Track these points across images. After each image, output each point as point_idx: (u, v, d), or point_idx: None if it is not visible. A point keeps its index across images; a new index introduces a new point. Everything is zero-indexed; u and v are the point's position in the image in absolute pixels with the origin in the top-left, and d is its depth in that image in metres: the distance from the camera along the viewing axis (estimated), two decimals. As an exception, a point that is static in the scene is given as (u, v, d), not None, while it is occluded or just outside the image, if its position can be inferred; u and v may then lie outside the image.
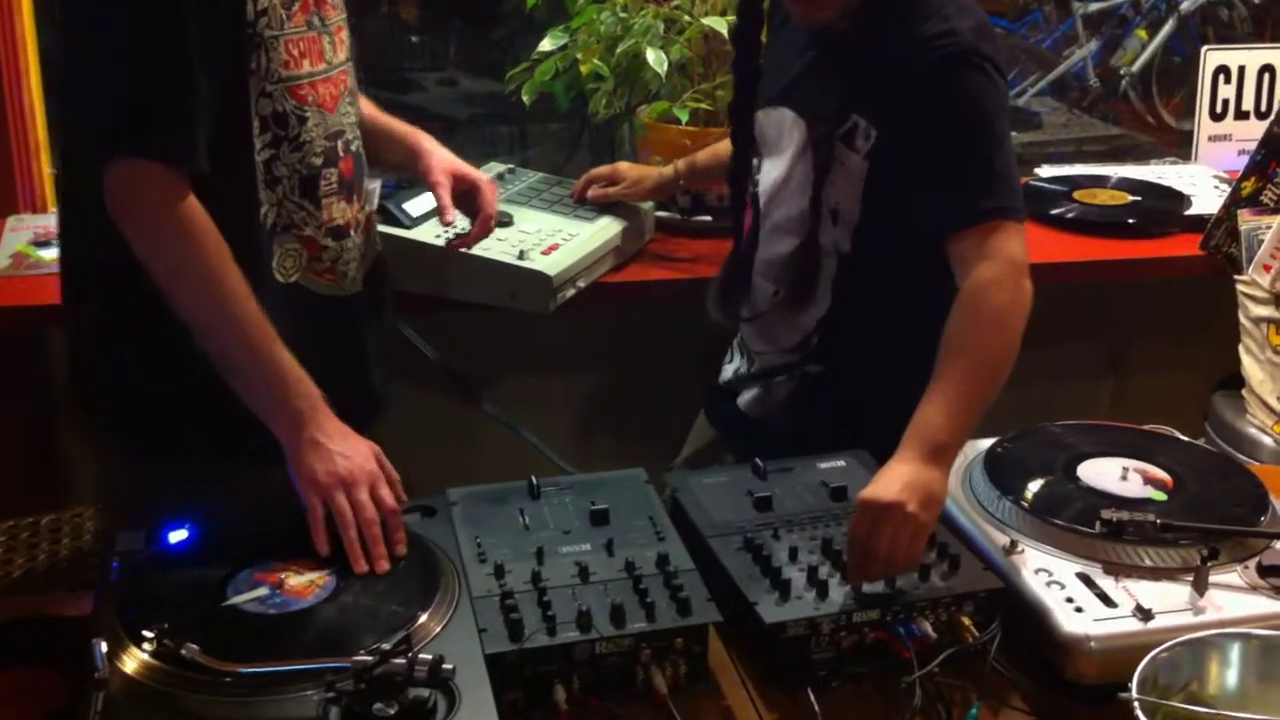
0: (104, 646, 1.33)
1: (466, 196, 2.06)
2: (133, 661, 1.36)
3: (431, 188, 2.03)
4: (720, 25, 2.53)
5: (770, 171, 2.04)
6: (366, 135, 1.95)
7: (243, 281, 1.66)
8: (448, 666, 1.31)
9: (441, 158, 2.05)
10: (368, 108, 2.03)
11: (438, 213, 2.04)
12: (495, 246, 2.27)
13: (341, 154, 1.82)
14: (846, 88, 1.90)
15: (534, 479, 1.74)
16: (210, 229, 1.65)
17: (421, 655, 1.31)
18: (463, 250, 2.15)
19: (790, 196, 1.99)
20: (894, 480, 1.55)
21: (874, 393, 1.69)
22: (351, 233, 1.86)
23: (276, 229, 1.77)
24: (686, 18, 2.62)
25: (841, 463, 1.80)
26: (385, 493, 1.63)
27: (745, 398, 2.13)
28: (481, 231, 2.08)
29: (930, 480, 1.56)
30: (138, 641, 1.38)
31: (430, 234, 2.25)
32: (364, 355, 1.94)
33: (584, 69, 2.65)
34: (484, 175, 2.11)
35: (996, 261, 1.71)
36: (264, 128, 1.72)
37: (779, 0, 1.99)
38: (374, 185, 2.61)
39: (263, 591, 1.48)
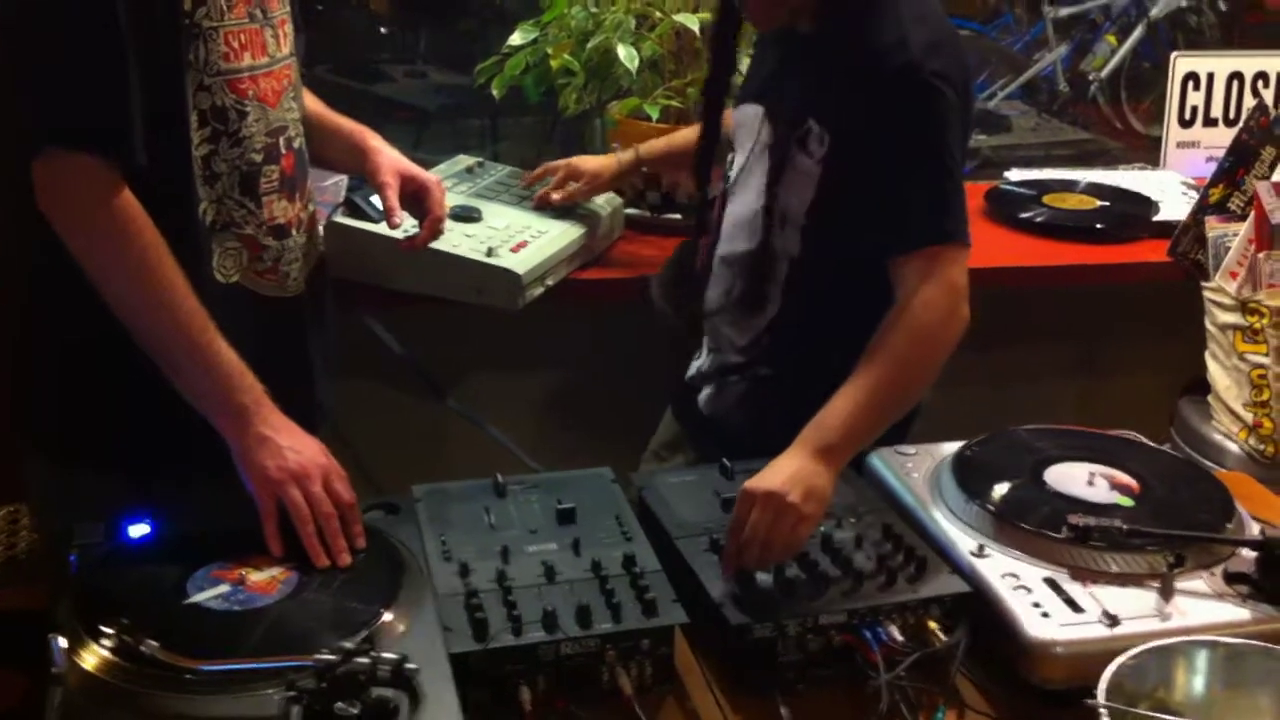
0: (63, 642, 1.31)
1: (415, 197, 2.02)
2: (92, 658, 1.34)
3: (378, 189, 1.98)
4: (692, 22, 2.52)
5: (740, 169, 2.03)
6: (312, 133, 1.92)
7: (181, 276, 1.62)
8: (411, 666, 1.30)
9: (389, 157, 2.00)
10: (314, 104, 1.99)
11: (384, 215, 1.99)
12: (464, 243, 2.25)
13: (283, 150, 1.78)
14: (803, 91, 1.89)
15: (499, 477, 1.72)
16: (145, 223, 1.61)
17: (385, 654, 1.29)
18: (431, 246, 2.13)
19: (747, 195, 1.99)
20: (779, 472, 1.59)
21: (823, 396, 1.69)
22: (294, 232, 1.82)
23: (216, 227, 1.72)
24: (658, 14, 2.62)
25: (810, 464, 1.79)
26: (340, 486, 1.61)
27: (703, 395, 2.13)
28: (430, 234, 2.04)
29: (814, 474, 1.59)
30: (97, 637, 1.35)
31: (399, 229, 2.23)
32: (306, 358, 1.90)
33: (554, 64, 2.64)
34: (432, 176, 2.06)
35: (936, 285, 1.72)
36: (202, 122, 1.67)
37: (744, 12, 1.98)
38: (340, 180, 2.59)
39: (224, 588, 1.46)
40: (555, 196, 2.42)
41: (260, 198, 1.75)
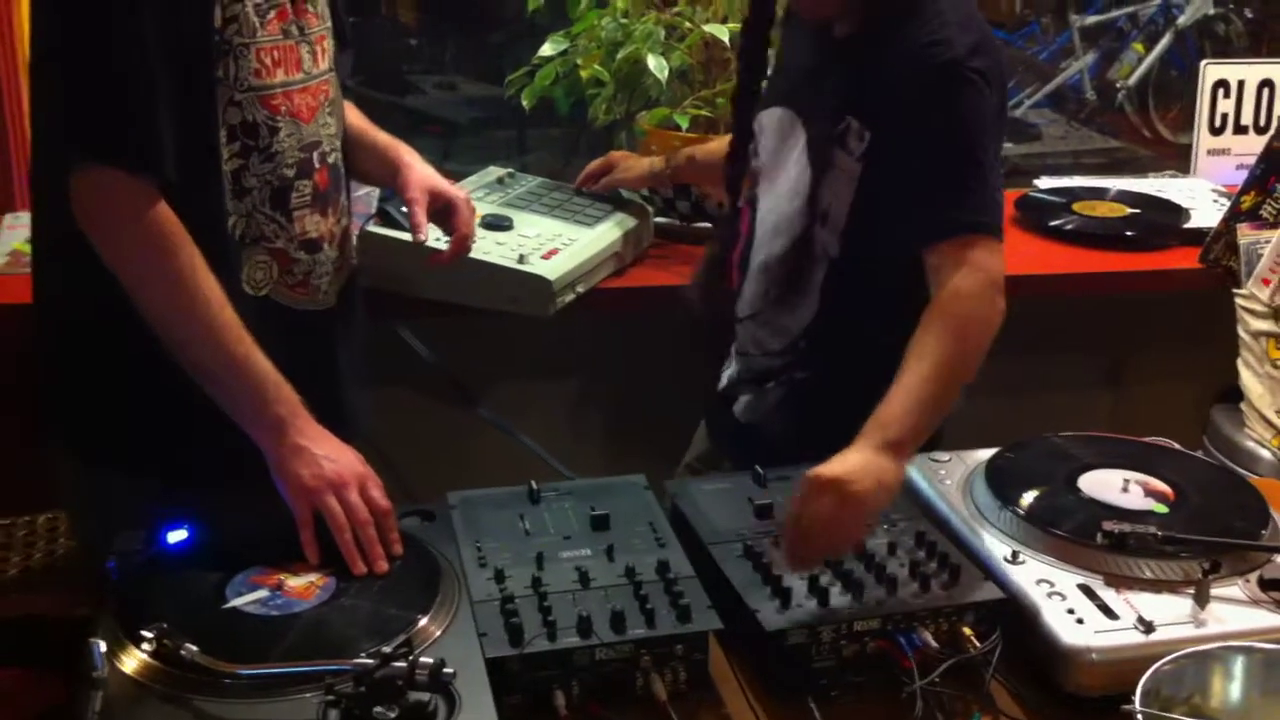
0: (103, 646, 1.32)
1: (444, 213, 2.03)
2: (132, 662, 1.36)
3: (407, 204, 1.99)
4: (721, 32, 2.53)
5: (769, 173, 2.04)
6: (349, 146, 1.93)
7: (217, 288, 1.63)
8: (448, 670, 1.30)
9: (420, 173, 2.01)
10: (355, 118, 2.00)
11: (411, 230, 1.99)
12: (495, 250, 2.26)
13: (317, 165, 1.79)
14: (842, 89, 1.90)
15: (534, 484, 1.73)
16: (182, 236, 1.62)
17: (422, 659, 1.30)
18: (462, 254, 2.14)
19: (786, 197, 1.99)
20: (845, 462, 1.56)
21: (863, 399, 1.69)
22: (325, 246, 1.83)
23: (246, 241, 1.73)
24: (687, 24, 2.63)
25: (842, 471, 1.80)
26: (376, 493, 1.62)
27: (740, 404, 2.13)
28: (457, 250, 2.04)
29: (884, 468, 1.57)
30: (137, 642, 1.37)
31: (430, 237, 2.24)
32: (335, 371, 1.90)
33: (584, 74, 2.66)
34: (462, 192, 2.07)
35: (971, 275, 1.72)
36: (232, 137, 1.68)
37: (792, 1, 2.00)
38: (372, 190, 2.61)
39: (263, 594, 1.48)
40: (590, 185, 2.47)
41: (291, 212, 1.76)
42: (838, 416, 1.67)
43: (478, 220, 2.34)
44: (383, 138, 2.05)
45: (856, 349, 1.94)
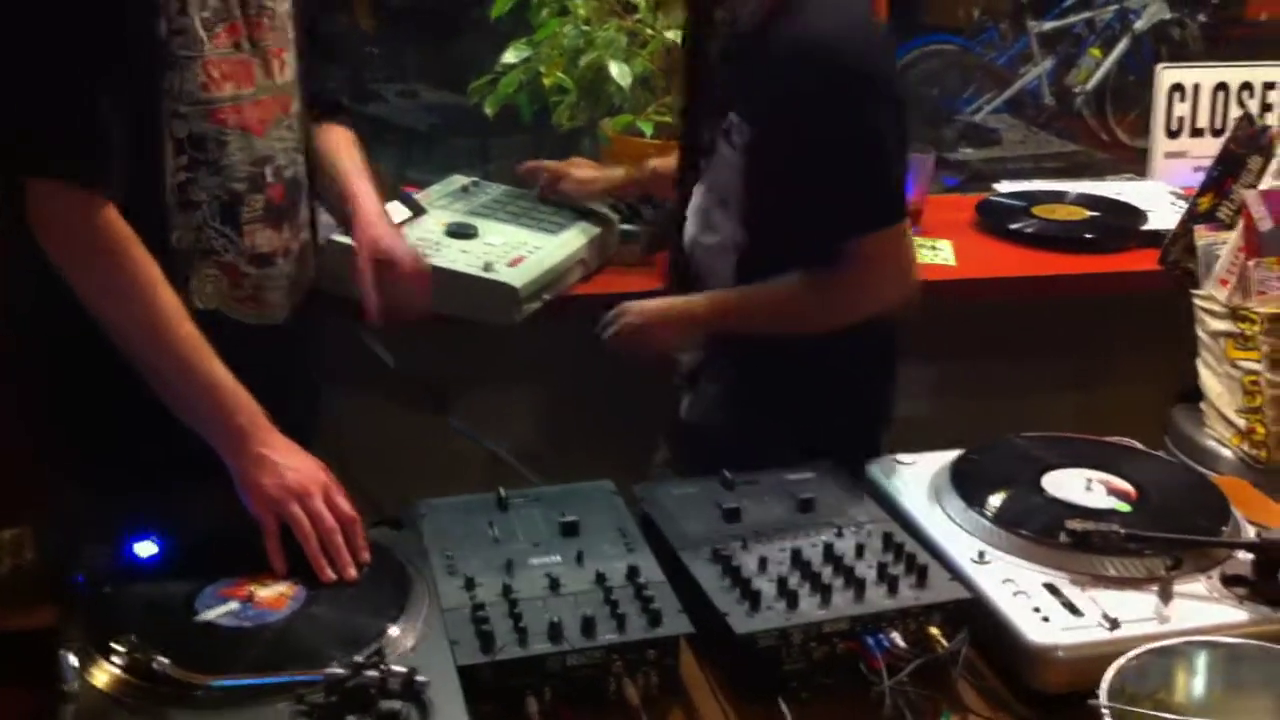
0: (74, 660, 1.32)
1: (394, 281, 1.95)
2: (102, 675, 1.35)
3: (355, 276, 1.92)
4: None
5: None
6: (312, 169, 1.91)
7: (174, 298, 1.63)
8: (421, 679, 1.31)
9: (367, 233, 1.94)
10: (336, 141, 1.98)
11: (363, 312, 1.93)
12: (460, 259, 2.26)
13: (270, 180, 1.77)
14: (726, 86, 1.95)
15: (502, 491, 1.73)
16: (134, 245, 1.61)
17: (394, 668, 1.31)
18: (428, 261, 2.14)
19: (701, 191, 2.05)
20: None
21: (793, 386, 1.74)
22: (279, 261, 1.81)
23: (194, 254, 1.72)
24: (649, 31, 2.64)
25: (810, 474, 1.81)
26: (342, 500, 1.61)
27: (683, 404, 2.15)
28: (397, 319, 1.97)
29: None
30: (107, 655, 1.36)
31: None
32: (283, 388, 1.85)
33: (547, 81, 2.67)
34: (409, 253, 1.97)
35: (878, 268, 1.86)
36: (179, 150, 1.67)
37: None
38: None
39: (233, 605, 1.47)
40: (544, 188, 2.49)
41: (241, 226, 1.75)
42: (768, 411, 1.71)
43: (443, 229, 2.34)
44: (343, 167, 1.99)
45: (780, 341, 1.97)
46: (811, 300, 1.91)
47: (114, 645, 1.36)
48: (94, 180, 1.61)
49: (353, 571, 1.55)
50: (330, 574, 1.54)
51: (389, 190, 2.21)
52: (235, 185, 1.72)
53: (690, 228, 2.09)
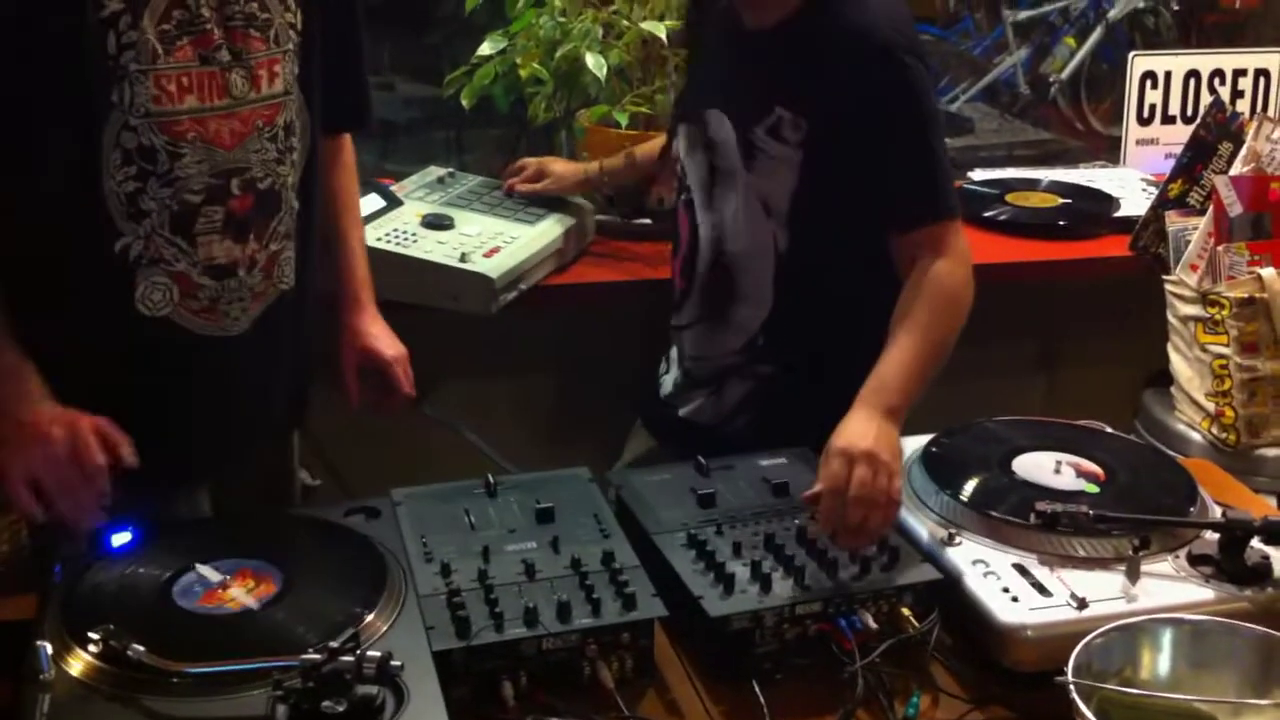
0: (49, 648, 1.33)
1: (379, 375, 1.99)
2: (78, 664, 1.36)
3: (343, 374, 1.97)
4: (659, 30, 2.55)
5: (701, 174, 2.05)
6: (324, 215, 1.92)
7: None
8: (396, 663, 1.32)
9: (356, 348, 1.98)
10: (343, 185, 1.99)
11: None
12: (437, 249, 2.27)
13: (236, 192, 1.73)
14: (766, 82, 1.93)
15: (491, 477, 1.75)
16: None
17: (369, 653, 1.31)
18: (404, 253, 2.15)
19: (725, 193, 2.01)
20: (864, 433, 1.63)
21: (827, 387, 1.73)
22: (241, 272, 1.77)
23: (143, 261, 1.70)
24: (625, 22, 2.64)
25: (783, 460, 1.83)
26: (88, 450, 1.61)
27: (690, 407, 2.14)
28: (394, 408, 2.00)
29: (892, 434, 1.66)
30: (83, 643, 1.37)
31: (371, 237, 2.25)
32: (229, 401, 1.83)
33: (523, 73, 2.67)
34: (392, 354, 1.99)
35: (949, 256, 1.81)
36: (127, 160, 1.65)
37: (707, 6, 2.02)
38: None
39: (211, 592, 1.48)
40: (522, 188, 2.48)
41: (195, 238, 1.72)
42: (803, 407, 1.71)
43: (419, 219, 2.35)
44: (346, 236, 2.01)
45: (817, 339, 1.98)
46: (943, 314, 1.79)
47: (90, 634, 1.37)
48: None
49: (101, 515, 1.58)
50: (84, 524, 1.58)
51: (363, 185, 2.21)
52: (189, 197, 1.70)
53: (708, 231, 2.05)
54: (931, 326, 1.76)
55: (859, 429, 1.64)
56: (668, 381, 2.19)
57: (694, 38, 2.08)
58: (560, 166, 2.53)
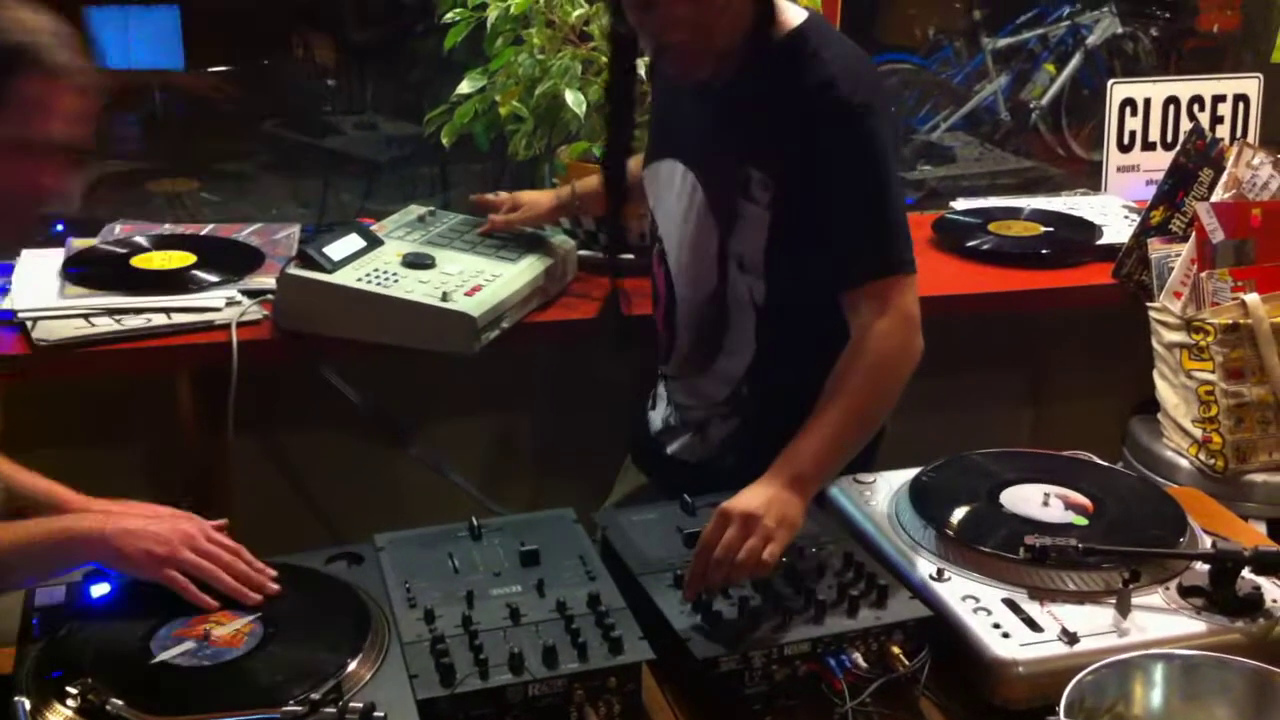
0: (27, 704, 1.31)
1: None
2: (56, 719, 1.34)
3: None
4: (638, 65, 2.55)
5: (669, 226, 2.05)
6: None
7: None
8: (379, 714, 1.30)
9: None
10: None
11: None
12: (418, 289, 2.26)
13: None
14: (736, 141, 1.91)
15: (475, 520, 1.73)
16: None
17: (352, 704, 1.30)
18: (385, 293, 2.13)
19: (695, 252, 2.01)
20: (755, 496, 1.63)
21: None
22: None
23: None
24: (604, 59, 2.64)
25: (769, 497, 1.81)
26: (220, 535, 1.62)
27: (677, 444, 2.13)
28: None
29: (788, 502, 1.64)
30: (62, 698, 1.35)
31: (351, 278, 2.24)
32: None
33: (503, 111, 2.67)
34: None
35: (888, 315, 1.78)
36: None
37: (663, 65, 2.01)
38: (292, 230, 2.60)
39: (190, 644, 1.46)
40: (498, 219, 2.47)
41: None
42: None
43: (400, 259, 2.34)
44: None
45: (802, 385, 1.96)
46: (873, 380, 1.77)
47: (68, 689, 1.35)
48: None
49: (273, 585, 1.57)
50: (255, 596, 1.55)
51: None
52: None
53: (683, 290, 2.05)
54: (859, 393, 1.75)
55: (752, 493, 1.64)
56: (655, 418, 2.18)
57: (626, 83, 2.06)
58: (532, 195, 2.53)
